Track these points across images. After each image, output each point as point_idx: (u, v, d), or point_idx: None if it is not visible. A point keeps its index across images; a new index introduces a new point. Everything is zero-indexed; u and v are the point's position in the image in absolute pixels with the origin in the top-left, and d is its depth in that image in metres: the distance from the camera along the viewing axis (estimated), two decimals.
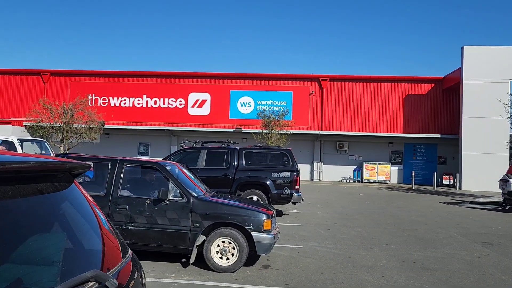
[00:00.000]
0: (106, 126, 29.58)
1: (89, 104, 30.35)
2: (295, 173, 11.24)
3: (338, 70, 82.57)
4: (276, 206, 12.66)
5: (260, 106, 28.81)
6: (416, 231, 10.21)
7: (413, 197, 19.38)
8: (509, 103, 20.03)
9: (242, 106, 30.29)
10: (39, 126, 19.75)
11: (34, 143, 13.12)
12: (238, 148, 11.64)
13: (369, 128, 29.43)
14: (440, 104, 29.14)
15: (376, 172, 28.44)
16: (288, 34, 75.96)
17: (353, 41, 72.77)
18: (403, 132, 28.88)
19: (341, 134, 28.70)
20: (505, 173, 16.45)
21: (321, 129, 29.39)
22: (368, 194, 20.37)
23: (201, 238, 6.20)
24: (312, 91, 29.89)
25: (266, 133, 20.72)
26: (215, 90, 30.63)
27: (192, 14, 79.12)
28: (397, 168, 29.16)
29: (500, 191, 16.48)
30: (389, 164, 28.74)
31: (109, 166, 6.48)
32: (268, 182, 11.15)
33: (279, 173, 11.20)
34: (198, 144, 12.10)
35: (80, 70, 32.05)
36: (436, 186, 25.48)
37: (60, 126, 19.43)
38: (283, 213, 12.65)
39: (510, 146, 23.49)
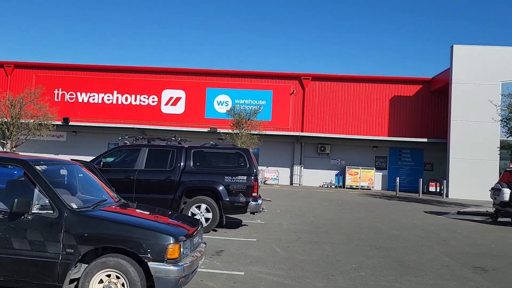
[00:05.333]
0: (72, 123, 27.69)
1: (56, 99, 28.42)
2: (252, 177, 9.39)
3: (321, 69, 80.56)
4: (232, 216, 10.86)
5: (238, 106, 26.88)
6: (395, 250, 8.43)
7: (396, 206, 17.69)
8: (501, 105, 18.49)
9: (219, 104, 28.42)
10: None
11: None
12: (186, 146, 9.78)
13: (352, 130, 27.74)
14: (427, 107, 27.58)
15: (359, 178, 26.75)
16: (270, 31, 74.19)
17: (337, 39, 71.24)
18: (388, 136, 27.24)
19: (323, 136, 27.00)
20: (497, 181, 14.83)
21: (302, 131, 27.63)
22: (348, 201, 18.63)
23: (82, 268, 4.34)
24: (293, 91, 28.15)
25: (236, 133, 18.86)
26: (190, 87, 28.72)
27: (167, 8, 76.97)
28: (381, 173, 27.50)
29: (491, 200, 14.85)
30: (373, 169, 27.07)
31: None
32: (220, 188, 9.29)
33: (234, 177, 9.34)
34: (141, 141, 10.20)
35: (46, 63, 29.91)
36: (422, 193, 23.83)
37: (6, 121, 17.35)
38: (243, 223, 10.82)
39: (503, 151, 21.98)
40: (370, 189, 26.43)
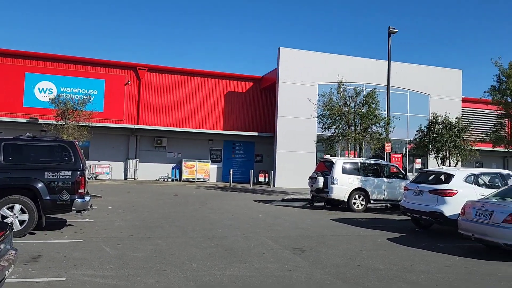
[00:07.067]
0: None
1: None
2: (78, 172, 8.57)
3: (158, 60, 79.11)
4: (55, 216, 9.79)
5: (64, 94, 24.35)
6: (226, 239, 8.78)
7: (229, 196, 18.56)
8: (317, 104, 21.03)
9: (40, 92, 25.30)
10: None
11: None
12: None
13: (189, 124, 28.05)
14: (258, 103, 29.69)
15: (196, 170, 27.21)
16: (102, 17, 69.75)
17: (174, 31, 71.19)
18: (223, 129, 28.42)
19: (160, 129, 26.60)
20: (314, 171, 16.84)
21: (137, 123, 26.69)
22: (184, 194, 18.75)
23: None
24: (128, 81, 26.92)
25: (61, 124, 17.05)
26: (3, 71, 24.85)
27: None
28: (216, 166, 28.51)
29: (309, 188, 16.81)
30: (208, 161, 27.87)
31: None
32: (38, 185, 8.22)
33: (56, 173, 8.38)
34: None
35: None
36: (253, 183, 25.61)
37: None
38: (67, 223, 9.83)
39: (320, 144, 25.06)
40: (206, 181, 27.14)
